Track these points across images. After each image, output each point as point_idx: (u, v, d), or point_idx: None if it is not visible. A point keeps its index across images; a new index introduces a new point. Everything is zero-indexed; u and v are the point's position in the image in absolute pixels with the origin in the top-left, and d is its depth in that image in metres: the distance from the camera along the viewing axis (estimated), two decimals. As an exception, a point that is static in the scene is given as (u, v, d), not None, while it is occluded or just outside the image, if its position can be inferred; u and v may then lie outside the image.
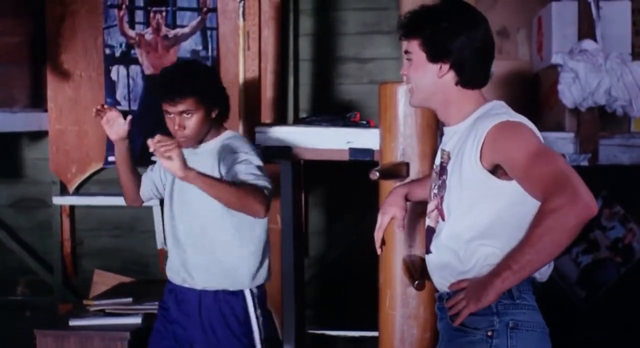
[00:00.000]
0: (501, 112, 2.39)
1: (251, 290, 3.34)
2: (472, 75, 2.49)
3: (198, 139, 3.29)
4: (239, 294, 3.33)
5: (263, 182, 3.13)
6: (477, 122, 2.39)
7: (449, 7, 2.53)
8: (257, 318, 3.37)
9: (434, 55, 2.47)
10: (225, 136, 3.34)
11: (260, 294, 3.39)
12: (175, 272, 3.34)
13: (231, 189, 3.01)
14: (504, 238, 2.34)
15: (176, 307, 3.35)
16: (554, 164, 2.22)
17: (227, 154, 3.26)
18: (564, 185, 2.15)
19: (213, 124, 3.32)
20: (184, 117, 3.20)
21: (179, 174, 2.90)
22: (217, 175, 3.19)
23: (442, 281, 2.50)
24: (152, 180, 3.46)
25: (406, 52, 2.56)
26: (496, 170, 2.33)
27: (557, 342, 4.67)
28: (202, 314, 3.30)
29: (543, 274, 2.49)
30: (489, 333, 2.39)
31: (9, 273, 5.30)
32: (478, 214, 2.39)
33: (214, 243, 3.27)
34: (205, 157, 3.26)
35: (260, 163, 3.23)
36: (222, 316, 3.29)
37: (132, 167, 3.42)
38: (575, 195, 2.13)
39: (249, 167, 3.18)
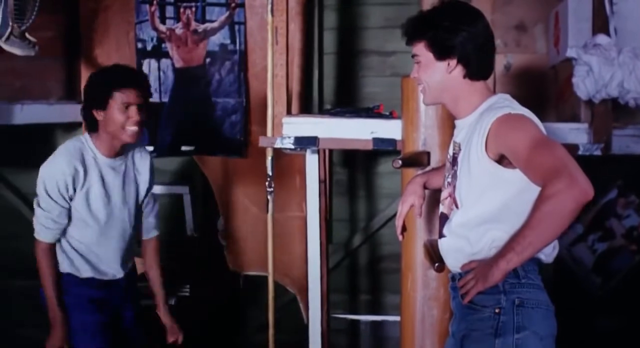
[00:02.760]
0: (504, 105, 2.59)
1: None
2: (478, 67, 2.69)
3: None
4: None
5: None
6: (483, 115, 2.59)
7: (447, 8, 2.74)
8: None
9: (440, 53, 2.67)
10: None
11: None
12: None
13: None
14: (510, 223, 2.53)
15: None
16: (553, 152, 2.39)
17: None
18: (562, 171, 2.32)
19: None
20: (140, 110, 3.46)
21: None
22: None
23: (454, 263, 2.72)
24: (64, 225, 3.55)
25: (414, 55, 2.75)
26: (502, 160, 2.52)
27: (572, 326, 4.80)
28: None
29: (548, 256, 2.69)
30: (497, 311, 2.59)
31: None
32: (487, 201, 2.58)
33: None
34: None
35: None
36: None
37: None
38: (573, 181, 2.31)
39: None
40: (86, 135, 3.55)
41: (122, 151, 3.56)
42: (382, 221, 5.25)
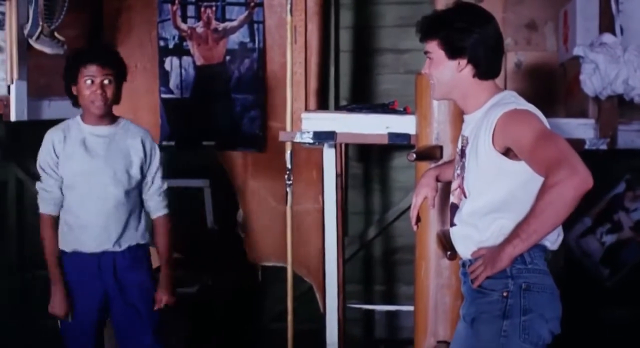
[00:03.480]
0: (510, 101, 2.73)
1: None
2: (487, 67, 2.82)
3: (109, 111, 3.72)
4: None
5: None
6: (490, 111, 2.72)
7: (461, 9, 2.87)
8: None
9: (452, 53, 2.80)
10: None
11: None
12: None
13: None
14: (516, 211, 2.65)
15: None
16: (556, 145, 2.53)
17: None
18: (563, 162, 2.46)
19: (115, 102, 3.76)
20: (104, 84, 3.63)
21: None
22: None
23: (464, 250, 2.85)
24: (58, 197, 3.72)
25: (426, 52, 2.88)
26: (507, 153, 2.66)
27: (582, 316, 4.83)
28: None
29: (553, 243, 2.81)
30: (504, 294, 2.71)
31: None
32: (494, 191, 2.72)
33: None
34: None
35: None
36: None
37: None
38: (573, 171, 2.45)
39: None
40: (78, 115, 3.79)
41: (108, 122, 3.73)
42: (396, 214, 5.33)
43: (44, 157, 3.71)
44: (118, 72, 3.71)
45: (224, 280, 5.14)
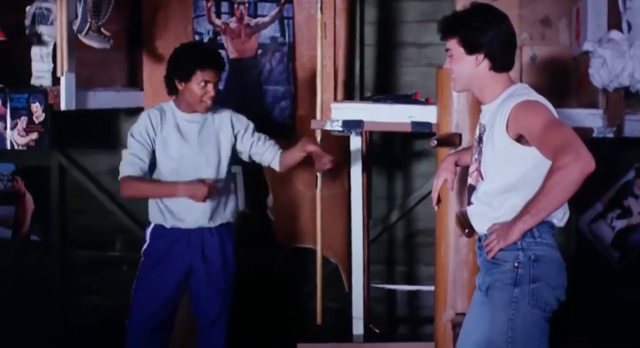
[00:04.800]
0: (523, 93, 3.03)
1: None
2: (502, 61, 3.12)
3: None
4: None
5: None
6: (504, 102, 3.02)
7: (477, 10, 3.15)
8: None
9: (471, 49, 3.10)
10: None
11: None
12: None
13: None
14: (526, 191, 2.94)
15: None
16: (563, 132, 2.82)
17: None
18: (569, 148, 2.75)
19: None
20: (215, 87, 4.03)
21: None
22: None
23: (480, 226, 3.16)
24: (145, 164, 4.05)
25: (447, 49, 3.16)
26: (520, 139, 2.95)
27: (593, 296, 5.08)
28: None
29: (560, 220, 3.09)
30: (515, 265, 3.01)
31: (109, 233, 5.66)
32: (507, 174, 3.01)
33: None
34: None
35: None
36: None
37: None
38: (578, 155, 2.73)
39: None
40: (170, 102, 4.11)
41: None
42: (417, 199, 5.42)
43: (139, 129, 4.03)
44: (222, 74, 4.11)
45: (256, 261, 5.26)
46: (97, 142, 5.62)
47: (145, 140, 4.05)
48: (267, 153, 4.24)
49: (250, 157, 4.29)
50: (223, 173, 4.15)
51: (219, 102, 5.14)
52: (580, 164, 2.75)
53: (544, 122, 2.89)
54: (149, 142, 4.05)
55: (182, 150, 4.07)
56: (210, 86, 4.02)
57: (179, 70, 4.04)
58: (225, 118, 4.21)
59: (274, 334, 5.47)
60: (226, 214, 4.20)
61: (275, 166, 4.27)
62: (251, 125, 4.27)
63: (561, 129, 2.86)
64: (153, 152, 4.06)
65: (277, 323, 5.55)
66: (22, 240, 5.82)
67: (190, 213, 4.06)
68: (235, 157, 4.29)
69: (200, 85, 4.00)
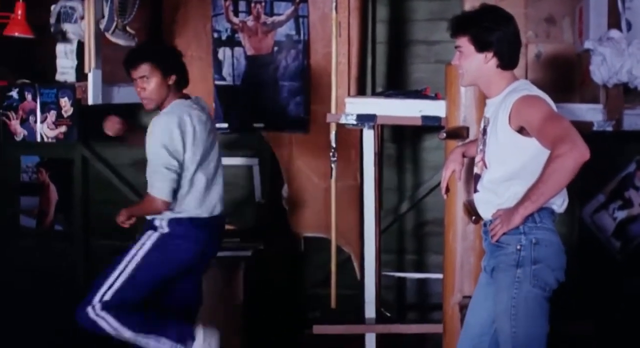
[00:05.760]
0: (524, 88, 3.23)
1: None
2: (509, 59, 3.31)
3: (158, 101, 4.14)
4: None
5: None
6: (508, 96, 3.22)
7: (487, 11, 3.35)
8: None
9: (481, 47, 3.29)
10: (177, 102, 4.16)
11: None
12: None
13: None
14: (527, 179, 3.13)
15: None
16: (560, 124, 3.02)
17: None
18: (566, 138, 2.94)
19: (171, 90, 4.15)
20: (144, 81, 4.08)
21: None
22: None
23: (485, 211, 3.35)
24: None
25: (457, 46, 3.35)
26: (521, 131, 3.15)
27: (595, 284, 5.25)
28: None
29: (560, 207, 3.29)
30: (518, 248, 3.20)
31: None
32: (510, 163, 3.21)
33: None
34: None
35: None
36: None
37: None
38: (574, 145, 2.93)
39: None
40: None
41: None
42: (426, 190, 5.52)
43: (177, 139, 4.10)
44: (153, 66, 4.14)
45: (273, 247, 5.39)
46: (118, 136, 5.70)
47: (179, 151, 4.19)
48: None
49: None
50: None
51: (238, 98, 5.35)
52: (576, 154, 2.94)
53: (543, 115, 3.08)
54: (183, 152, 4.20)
55: (204, 145, 4.23)
56: (136, 84, 4.16)
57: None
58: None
59: (290, 318, 5.62)
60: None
61: None
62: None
63: (559, 121, 3.05)
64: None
65: (293, 308, 5.67)
66: (46, 229, 5.95)
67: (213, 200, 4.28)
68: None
69: (135, 84, 4.18)
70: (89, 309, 4.07)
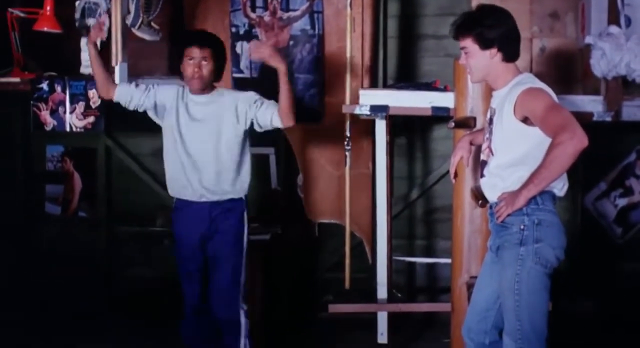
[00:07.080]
0: (528, 81, 3.46)
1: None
2: (512, 52, 3.53)
3: (206, 85, 4.20)
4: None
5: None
6: (512, 89, 3.45)
7: (486, 10, 3.55)
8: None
9: (485, 45, 3.50)
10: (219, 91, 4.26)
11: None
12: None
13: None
14: (531, 165, 3.35)
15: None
16: (561, 114, 3.25)
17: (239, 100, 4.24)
18: (566, 127, 3.17)
19: (215, 80, 4.24)
20: (202, 63, 4.13)
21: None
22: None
23: (491, 195, 3.58)
24: (131, 94, 4.31)
25: (462, 47, 3.55)
26: (525, 120, 3.38)
27: (597, 268, 5.52)
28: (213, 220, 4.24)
29: (560, 190, 3.51)
30: (521, 227, 3.42)
31: (151, 209, 5.92)
32: (514, 150, 3.43)
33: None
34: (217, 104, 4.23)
35: None
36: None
37: (100, 66, 4.37)
38: (573, 133, 3.15)
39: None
40: None
41: (205, 92, 4.25)
42: (435, 178, 5.72)
43: (164, 86, 4.29)
44: (213, 53, 4.19)
45: (289, 232, 5.57)
46: (140, 126, 5.65)
47: (153, 91, 4.32)
48: (267, 114, 4.23)
49: (263, 126, 4.32)
50: (223, 151, 4.24)
51: (255, 89, 5.34)
52: (575, 141, 3.17)
53: (546, 106, 3.31)
54: (151, 94, 4.32)
55: (187, 126, 4.23)
56: (194, 62, 4.15)
57: (177, 53, 4.29)
58: (229, 101, 4.27)
59: (307, 299, 5.83)
60: (233, 190, 4.30)
61: (277, 122, 4.26)
62: (254, 99, 4.28)
63: (560, 111, 3.28)
64: (154, 105, 4.32)
65: (309, 289, 5.89)
66: (70, 216, 6.17)
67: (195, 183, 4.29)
68: (246, 139, 4.34)
69: (188, 63, 4.16)
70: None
